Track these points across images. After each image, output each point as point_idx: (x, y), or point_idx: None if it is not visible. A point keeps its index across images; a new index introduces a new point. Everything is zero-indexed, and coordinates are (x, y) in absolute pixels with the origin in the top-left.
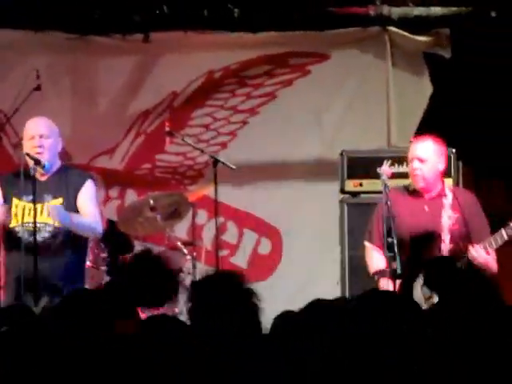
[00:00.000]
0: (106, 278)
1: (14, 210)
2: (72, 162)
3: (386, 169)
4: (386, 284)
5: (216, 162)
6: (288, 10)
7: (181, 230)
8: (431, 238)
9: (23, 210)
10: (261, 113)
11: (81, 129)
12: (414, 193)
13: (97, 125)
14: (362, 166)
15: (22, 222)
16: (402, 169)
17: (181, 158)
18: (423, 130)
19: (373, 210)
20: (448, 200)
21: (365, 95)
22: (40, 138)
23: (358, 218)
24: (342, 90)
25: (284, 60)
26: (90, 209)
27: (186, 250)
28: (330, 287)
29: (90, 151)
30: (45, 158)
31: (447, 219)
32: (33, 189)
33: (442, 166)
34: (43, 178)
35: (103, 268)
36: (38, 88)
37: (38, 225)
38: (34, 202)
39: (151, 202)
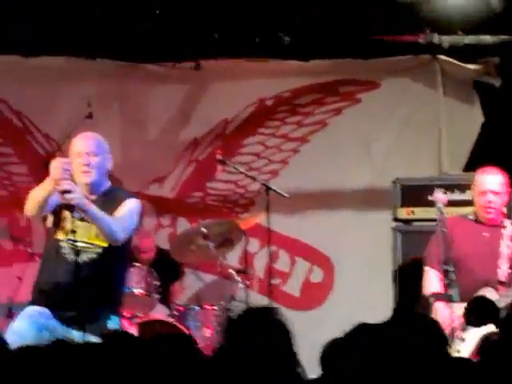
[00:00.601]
0: (158, 307)
1: (63, 222)
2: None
3: (441, 196)
4: (441, 307)
5: (268, 189)
6: (338, 38)
7: (233, 258)
8: (489, 263)
9: (73, 225)
10: (311, 141)
11: (132, 156)
12: (475, 221)
13: (148, 153)
14: (415, 193)
15: (70, 239)
16: (454, 196)
17: (232, 185)
18: (474, 158)
19: (424, 238)
20: (507, 231)
21: (415, 123)
22: (88, 156)
23: (411, 246)
24: (392, 118)
25: (334, 88)
26: (121, 214)
27: (238, 278)
28: (382, 315)
29: (140, 179)
30: (91, 177)
31: (506, 248)
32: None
33: (507, 198)
34: (92, 198)
35: (155, 296)
36: (89, 116)
37: (84, 244)
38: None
39: (203, 230)
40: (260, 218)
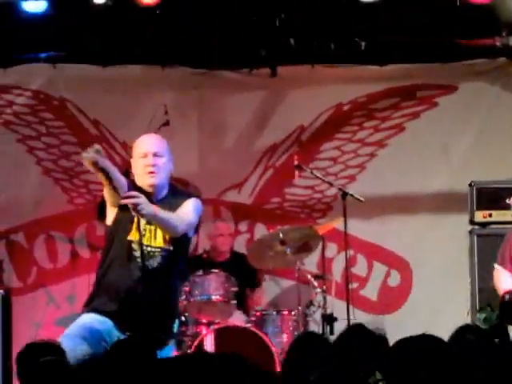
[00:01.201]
0: (236, 313)
1: (134, 224)
2: (201, 196)
3: None
4: None
5: (345, 194)
6: (415, 43)
7: (310, 263)
8: None
9: (144, 229)
10: (389, 145)
11: (209, 163)
12: None
13: (225, 159)
14: (491, 196)
15: (141, 242)
16: None
17: (310, 191)
18: None
19: (502, 241)
20: None
21: (493, 126)
22: (154, 157)
23: (488, 249)
24: (469, 121)
25: (411, 92)
26: (183, 211)
27: (316, 283)
28: (459, 318)
29: (218, 185)
30: (157, 179)
31: None
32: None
33: None
34: (155, 200)
35: (233, 302)
36: (166, 123)
37: (152, 249)
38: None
39: (281, 235)
40: (337, 223)
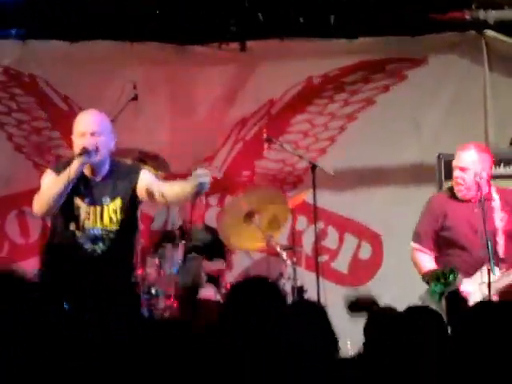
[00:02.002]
0: (206, 286)
1: (76, 211)
2: (170, 171)
3: None
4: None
5: (314, 167)
6: (383, 16)
7: (281, 235)
8: (486, 240)
9: (86, 213)
10: (359, 118)
11: (179, 138)
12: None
13: (195, 133)
14: None
15: (85, 228)
16: (500, 170)
17: (280, 164)
18: None
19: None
20: (496, 203)
21: (462, 99)
22: (91, 136)
23: None
24: (439, 94)
25: (381, 66)
26: (161, 183)
27: (285, 256)
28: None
29: (188, 160)
30: (97, 158)
31: (499, 221)
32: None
33: (485, 173)
34: (98, 179)
35: (203, 275)
36: (135, 98)
37: (100, 231)
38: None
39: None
40: (307, 196)
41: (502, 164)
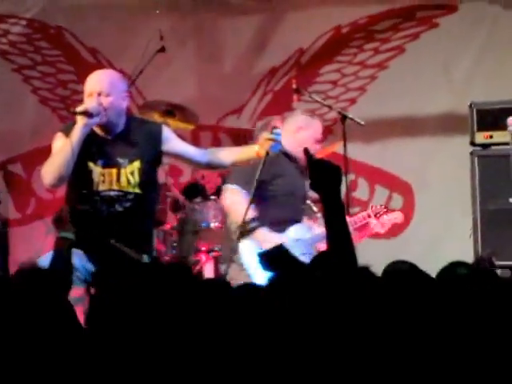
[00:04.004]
0: None
1: (89, 175)
2: (199, 122)
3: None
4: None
5: (345, 118)
6: None
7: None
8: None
9: (100, 175)
10: (390, 67)
11: (207, 89)
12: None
13: (223, 85)
14: (492, 117)
15: (100, 190)
16: None
17: None
18: None
19: (504, 162)
20: None
21: (494, 46)
22: (98, 96)
23: (490, 171)
24: (470, 41)
25: (411, 13)
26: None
27: (315, 208)
28: (462, 241)
29: (217, 112)
30: (103, 120)
31: None
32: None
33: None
34: (112, 138)
35: None
36: (162, 49)
37: (116, 193)
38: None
39: None
40: (337, 147)
41: None
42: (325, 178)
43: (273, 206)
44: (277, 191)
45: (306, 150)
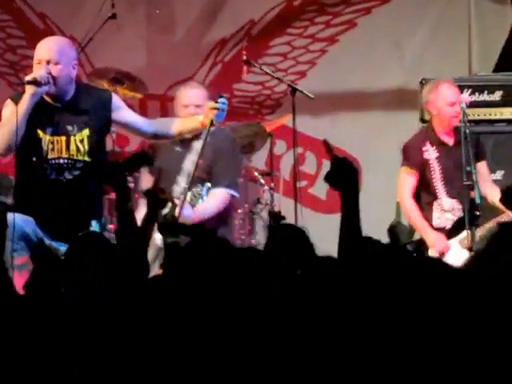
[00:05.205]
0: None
1: (39, 143)
2: (148, 91)
3: (465, 97)
4: None
5: (294, 90)
6: None
7: (259, 160)
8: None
9: (49, 143)
10: (340, 41)
11: (157, 58)
12: None
13: (173, 54)
14: None
15: (49, 158)
16: (483, 97)
17: (259, 87)
18: (504, 58)
19: None
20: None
21: (446, 23)
22: (47, 64)
23: None
24: (423, 17)
25: None
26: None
27: (263, 181)
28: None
29: (166, 81)
30: (52, 89)
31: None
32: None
33: None
34: (61, 106)
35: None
36: (113, 16)
37: (65, 161)
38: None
39: None
40: (286, 120)
41: (486, 92)
42: (344, 176)
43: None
44: None
45: (325, 143)
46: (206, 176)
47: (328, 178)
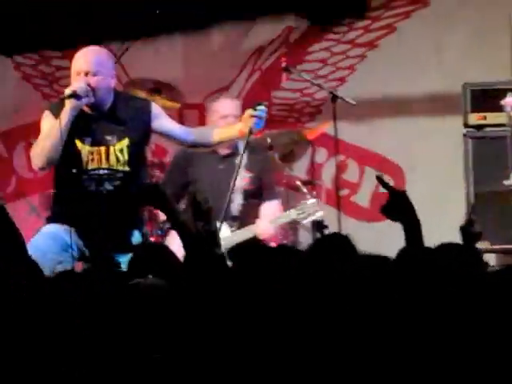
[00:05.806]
0: None
1: (78, 155)
2: (185, 101)
3: (510, 100)
4: None
5: (335, 97)
6: None
7: (300, 169)
8: None
9: (89, 154)
10: (380, 46)
11: (194, 68)
12: None
13: (210, 63)
14: (486, 98)
15: (89, 169)
16: None
17: (298, 94)
18: None
19: (497, 144)
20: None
21: (488, 26)
22: (86, 76)
23: (483, 153)
24: (463, 20)
25: None
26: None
27: (305, 190)
28: (455, 224)
29: (203, 90)
30: (92, 100)
31: None
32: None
33: None
34: (99, 116)
35: None
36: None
37: (105, 171)
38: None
39: (268, 140)
40: (327, 128)
41: None
42: (402, 208)
43: None
44: None
45: (379, 178)
46: (255, 189)
47: (385, 211)
